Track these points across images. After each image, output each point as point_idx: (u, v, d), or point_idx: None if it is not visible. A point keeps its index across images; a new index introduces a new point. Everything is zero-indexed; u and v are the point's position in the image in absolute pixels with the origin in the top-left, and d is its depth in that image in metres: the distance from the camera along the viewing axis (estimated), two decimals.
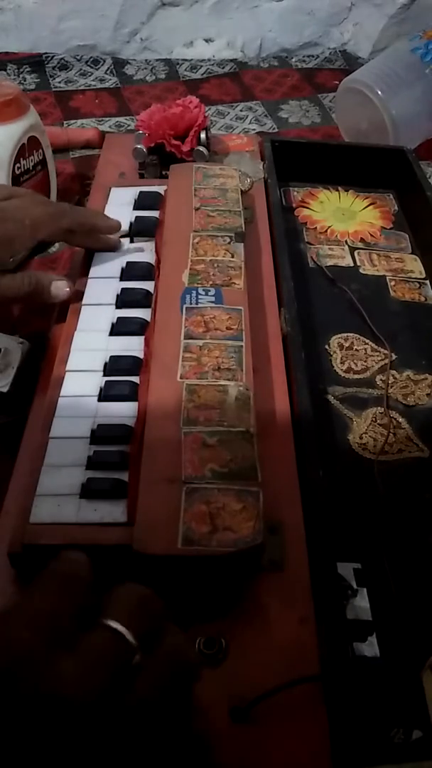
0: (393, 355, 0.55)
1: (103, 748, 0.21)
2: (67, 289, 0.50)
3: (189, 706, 0.25)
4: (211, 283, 0.50)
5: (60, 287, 0.49)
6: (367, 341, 0.56)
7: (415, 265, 0.64)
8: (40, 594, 0.25)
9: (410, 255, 0.65)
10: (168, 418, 0.40)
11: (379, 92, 0.82)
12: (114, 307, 0.50)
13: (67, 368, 0.45)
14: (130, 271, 0.52)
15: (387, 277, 0.62)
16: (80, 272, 0.53)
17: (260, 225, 0.61)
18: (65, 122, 0.91)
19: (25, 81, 0.99)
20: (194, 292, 0.49)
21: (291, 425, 0.45)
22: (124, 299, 0.50)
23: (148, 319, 0.49)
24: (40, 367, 0.49)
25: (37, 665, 0.22)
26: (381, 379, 0.53)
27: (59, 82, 1.00)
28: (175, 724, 0.23)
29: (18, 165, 0.65)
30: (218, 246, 0.53)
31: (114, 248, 0.55)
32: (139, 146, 0.65)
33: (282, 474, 0.42)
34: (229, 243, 0.53)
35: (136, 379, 0.44)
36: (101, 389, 0.44)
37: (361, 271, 0.63)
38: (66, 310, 0.50)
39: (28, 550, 0.35)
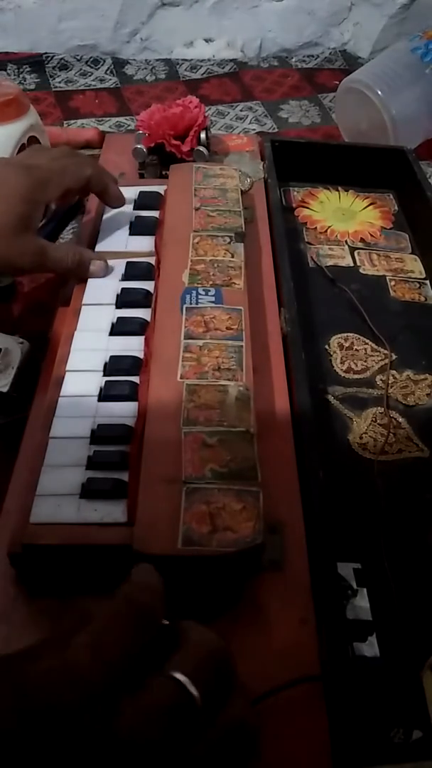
0: (393, 355, 0.55)
1: None
2: (104, 268, 0.52)
3: None
4: (211, 283, 0.50)
5: (99, 266, 0.52)
6: (367, 341, 0.56)
7: (415, 265, 0.64)
8: (112, 624, 0.23)
9: (410, 255, 0.65)
10: (168, 418, 0.40)
11: (379, 92, 0.82)
12: (114, 307, 0.50)
13: (67, 368, 0.45)
14: (130, 271, 0.52)
15: (387, 277, 0.63)
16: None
17: (260, 225, 0.61)
18: (65, 122, 0.92)
19: (25, 81, 0.99)
20: (194, 292, 0.49)
21: (291, 425, 0.45)
22: (124, 299, 0.50)
23: (148, 319, 0.49)
24: (40, 367, 0.49)
25: (99, 703, 0.21)
26: (381, 379, 0.53)
27: (59, 82, 1.00)
28: None
29: None
30: (218, 246, 0.53)
31: (121, 201, 0.56)
32: (139, 146, 0.65)
33: (282, 474, 0.42)
34: (229, 243, 0.53)
35: (136, 379, 0.44)
36: (101, 389, 0.44)
37: (361, 271, 0.63)
38: (66, 310, 0.50)
39: (28, 550, 0.35)
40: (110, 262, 0.53)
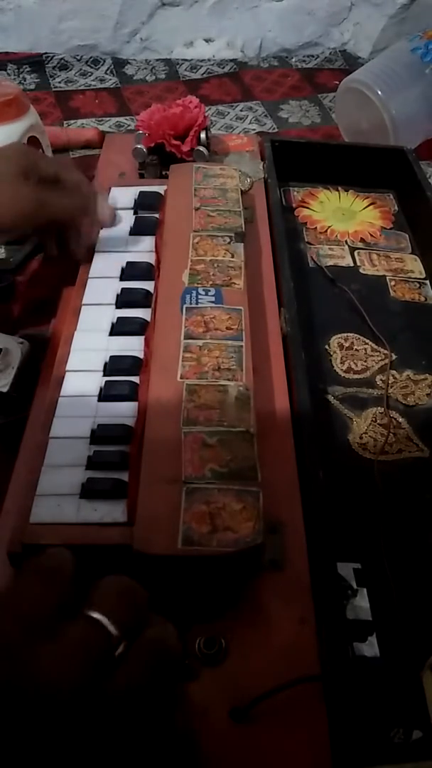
0: (393, 355, 0.55)
1: (81, 736, 0.21)
2: (111, 212, 0.54)
3: (172, 698, 0.25)
4: (211, 283, 0.50)
5: (106, 210, 0.54)
6: (367, 341, 0.56)
7: (415, 265, 0.64)
8: (22, 585, 0.25)
9: (410, 255, 0.65)
10: (168, 418, 0.40)
11: (379, 92, 0.82)
12: (114, 307, 0.50)
13: (67, 368, 0.45)
14: (130, 271, 0.52)
15: (387, 277, 0.62)
16: (80, 272, 0.53)
17: (260, 225, 0.61)
18: (65, 122, 0.92)
19: (25, 81, 0.99)
20: (194, 292, 0.49)
21: (291, 425, 0.45)
22: (124, 299, 0.50)
23: (148, 319, 0.49)
24: (40, 367, 0.49)
25: (16, 653, 0.22)
26: (381, 379, 0.53)
27: (59, 82, 1.00)
28: (156, 715, 0.23)
29: None
30: (218, 246, 0.53)
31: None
32: (139, 146, 0.65)
33: (282, 474, 0.42)
34: (229, 243, 0.53)
35: (136, 379, 0.44)
36: (101, 389, 0.44)
37: (361, 271, 0.63)
38: (66, 310, 0.50)
39: (28, 550, 0.35)
40: (110, 262, 0.53)
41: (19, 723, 0.20)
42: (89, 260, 0.53)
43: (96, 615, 0.24)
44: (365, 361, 0.55)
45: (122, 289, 0.51)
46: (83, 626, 0.24)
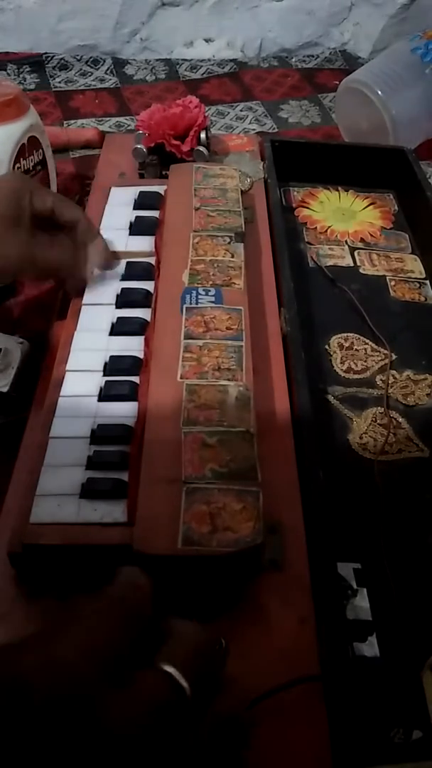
0: (393, 355, 0.55)
1: None
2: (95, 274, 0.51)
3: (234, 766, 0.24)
4: (211, 283, 0.50)
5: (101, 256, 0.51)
6: (367, 341, 0.56)
7: (415, 265, 0.64)
8: (100, 621, 0.23)
9: (410, 255, 0.65)
10: (168, 418, 0.40)
11: (379, 92, 0.82)
12: (114, 307, 0.50)
13: (67, 368, 0.45)
14: (130, 271, 0.52)
15: (387, 277, 0.63)
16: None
17: (260, 225, 0.61)
18: (65, 122, 0.91)
19: (25, 81, 0.99)
20: (194, 292, 0.49)
21: (291, 425, 0.45)
22: (124, 299, 0.50)
23: (148, 319, 0.49)
24: (40, 367, 0.49)
25: (89, 698, 0.21)
26: (381, 379, 0.53)
27: (59, 82, 1.00)
28: None
29: (18, 165, 0.65)
30: (218, 246, 0.53)
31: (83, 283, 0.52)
32: (139, 146, 0.65)
33: (282, 474, 0.42)
34: (229, 243, 0.53)
35: (136, 379, 0.44)
36: (101, 389, 0.44)
37: (361, 271, 0.63)
38: (66, 310, 0.50)
39: (28, 550, 0.35)
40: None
41: (83, 767, 0.20)
42: (81, 294, 0.51)
43: (172, 671, 0.23)
44: (365, 361, 0.55)
45: (122, 289, 0.51)
46: (157, 680, 0.22)
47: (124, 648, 0.23)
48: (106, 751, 0.20)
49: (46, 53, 1.03)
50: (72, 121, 0.92)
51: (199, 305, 0.48)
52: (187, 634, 0.25)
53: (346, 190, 0.72)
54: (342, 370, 0.54)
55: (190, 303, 0.48)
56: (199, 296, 0.48)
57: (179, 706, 0.22)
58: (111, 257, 0.52)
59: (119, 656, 0.23)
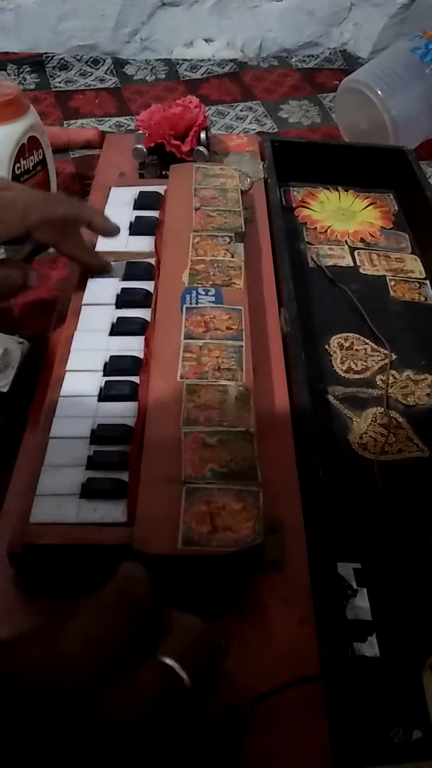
0: (393, 355, 0.55)
1: None
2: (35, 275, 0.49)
3: (235, 760, 0.24)
4: (211, 283, 0.50)
5: (33, 277, 0.48)
6: (367, 341, 0.56)
7: (415, 265, 0.64)
8: (100, 615, 0.23)
9: (410, 255, 0.65)
10: (168, 418, 0.40)
11: (379, 92, 0.82)
12: (114, 307, 0.50)
13: (67, 368, 0.45)
14: (130, 271, 0.52)
15: (387, 277, 0.63)
16: (80, 272, 0.53)
17: (260, 225, 0.61)
18: (65, 122, 0.92)
19: (25, 81, 0.99)
20: (194, 292, 0.49)
21: (291, 425, 0.45)
22: (124, 299, 0.50)
23: (148, 319, 0.49)
24: (40, 367, 0.49)
25: (89, 694, 0.21)
26: (381, 379, 0.53)
27: (59, 82, 1.00)
28: None
29: (18, 165, 0.65)
30: (218, 246, 0.53)
31: (104, 269, 0.52)
32: (139, 146, 0.65)
33: (282, 474, 0.42)
34: (229, 243, 0.53)
35: (136, 379, 0.44)
36: (101, 389, 0.44)
37: (361, 271, 0.63)
38: (66, 310, 0.50)
39: (28, 550, 0.35)
40: (111, 263, 0.53)
41: (84, 763, 0.20)
42: (102, 266, 0.52)
43: (172, 663, 0.23)
44: (365, 361, 0.55)
45: (122, 289, 0.51)
46: (158, 673, 0.22)
47: (123, 641, 0.23)
48: (107, 744, 0.20)
49: (46, 53, 1.03)
50: (72, 121, 0.92)
51: (199, 305, 0.48)
52: (188, 626, 0.25)
53: (346, 190, 0.72)
54: (342, 370, 0.54)
55: (190, 303, 0.48)
56: (199, 296, 0.48)
57: (179, 698, 0.22)
58: (106, 267, 0.53)
59: (119, 649, 0.23)
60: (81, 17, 1.01)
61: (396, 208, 0.71)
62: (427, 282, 0.63)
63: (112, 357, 0.46)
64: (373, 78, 0.83)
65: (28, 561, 0.36)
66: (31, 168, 0.67)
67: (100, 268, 0.52)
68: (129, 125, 0.92)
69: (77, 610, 0.24)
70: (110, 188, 0.61)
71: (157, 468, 0.38)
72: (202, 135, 0.66)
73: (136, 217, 0.57)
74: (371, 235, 0.67)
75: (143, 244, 0.55)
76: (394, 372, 0.54)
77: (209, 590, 0.36)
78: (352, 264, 0.64)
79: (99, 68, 1.03)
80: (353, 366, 0.54)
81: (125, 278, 0.52)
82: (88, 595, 0.24)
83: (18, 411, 0.47)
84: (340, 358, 0.55)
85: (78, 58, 1.04)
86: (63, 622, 0.23)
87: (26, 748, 0.20)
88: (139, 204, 0.59)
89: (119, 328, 0.48)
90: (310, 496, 0.41)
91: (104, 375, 0.45)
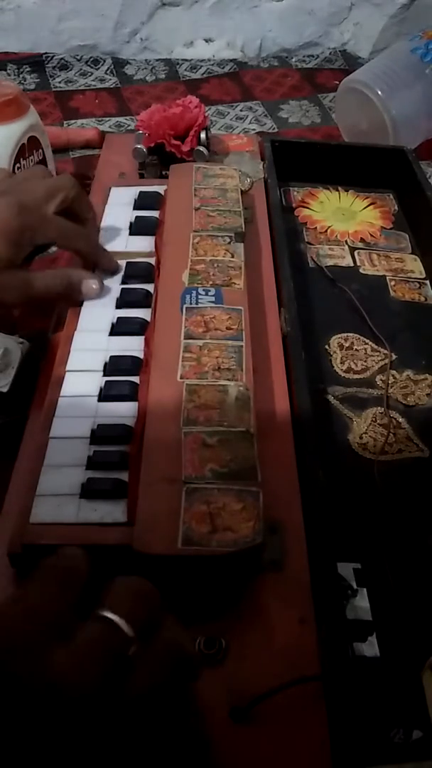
0: (393, 355, 0.55)
1: (97, 739, 0.21)
2: (96, 287, 0.49)
3: (186, 701, 0.25)
4: (211, 283, 0.50)
5: (90, 285, 0.49)
6: (367, 341, 0.56)
7: (415, 265, 0.64)
8: (36, 586, 0.25)
9: (410, 255, 0.65)
10: (168, 418, 0.40)
11: (379, 92, 0.82)
12: (114, 307, 0.50)
13: (67, 368, 0.45)
14: (130, 271, 0.52)
15: (387, 277, 0.62)
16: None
17: (260, 225, 0.61)
18: (65, 122, 0.92)
19: (25, 81, 0.99)
20: (194, 292, 0.49)
21: (291, 425, 0.45)
22: (124, 299, 0.50)
23: (148, 319, 0.49)
24: (40, 367, 0.49)
25: (32, 655, 0.22)
26: (381, 379, 0.53)
27: (59, 82, 1.00)
28: (171, 718, 0.23)
29: (18, 165, 0.65)
30: (218, 246, 0.53)
31: (113, 269, 0.52)
32: (139, 146, 0.65)
33: (282, 474, 0.42)
34: (229, 243, 0.53)
35: (136, 379, 0.44)
36: (101, 389, 0.44)
37: (361, 271, 0.63)
38: (66, 310, 0.50)
39: (28, 550, 0.35)
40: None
41: (34, 724, 0.20)
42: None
43: (110, 615, 0.24)
44: (365, 361, 0.55)
45: (122, 289, 0.51)
46: (98, 627, 0.23)
47: (63, 605, 0.24)
48: (53, 703, 0.21)
49: (46, 53, 1.03)
50: (72, 121, 0.92)
51: (199, 305, 0.48)
52: (122, 581, 0.26)
53: (346, 190, 0.72)
54: (342, 370, 0.54)
55: (190, 303, 0.48)
56: (199, 296, 0.48)
57: (121, 647, 0.23)
58: (115, 268, 0.53)
59: (59, 612, 0.24)
60: (81, 17, 1.01)
61: (396, 208, 0.71)
62: (427, 282, 0.63)
63: (112, 357, 0.46)
64: (373, 78, 0.83)
65: (28, 561, 0.36)
66: None
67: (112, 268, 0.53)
68: (129, 125, 0.92)
69: (22, 586, 0.25)
70: (110, 188, 0.61)
71: (157, 468, 0.38)
72: (202, 135, 0.66)
73: (136, 217, 0.57)
74: (371, 235, 0.67)
75: (143, 244, 0.55)
76: (394, 372, 0.54)
77: (209, 590, 0.36)
78: (352, 264, 0.64)
79: (99, 68, 1.03)
80: (353, 366, 0.54)
81: (125, 278, 0.52)
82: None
83: (18, 411, 0.47)
84: (340, 358, 0.55)
85: (78, 58, 1.04)
86: (9, 598, 0.24)
87: None
88: (139, 204, 0.59)
89: (119, 328, 0.48)
90: (310, 496, 0.41)
91: (104, 375, 0.45)
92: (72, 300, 0.50)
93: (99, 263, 0.52)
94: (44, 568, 0.26)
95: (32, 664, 0.21)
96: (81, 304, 0.50)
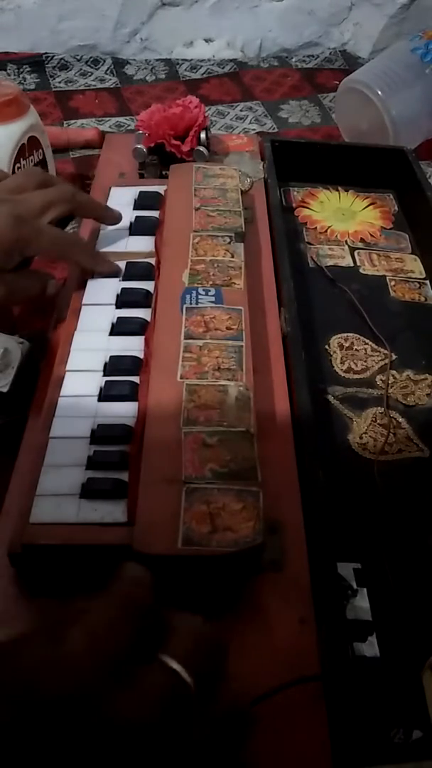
0: (393, 355, 0.55)
1: None
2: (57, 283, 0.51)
3: (238, 764, 0.24)
4: (211, 283, 0.50)
5: (53, 285, 0.50)
6: (367, 341, 0.56)
7: (415, 265, 0.64)
8: (103, 616, 0.23)
9: (410, 255, 0.65)
10: (168, 418, 0.40)
11: (379, 92, 0.82)
12: (114, 307, 0.50)
13: (67, 368, 0.45)
14: (130, 271, 0.52)
15: (387, 277, 0.62)
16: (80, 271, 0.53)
17: (260, 225, 0.61)
18: (65, 122, 0.92)
19: (25, 81, 0.99)
20: (194, 292, 0.49)
21: (291, 425, 0.45)
22: (124, 299, 0.50)
23: (148, 319, 0.49)
24: (40, 367, 0.49)
25: (95, 694, 0.21)
26: (381, 379, 0.53)
27: (59, 82, 1.00)
28: None
29: (18, 165, 0.65)
30: (218, 246, 0.53)
31: (113, 275, 0.53)
32: (139, 146, 0.65)
33: (282, 474, 0.42)
34: (229, 243, 0.53)
35: (136, 379, 0.44)
36: (101, 389, 0.44)
37: (361, 271, 0.63)
38: (66, 310, 0.50)
39: (27, 550, 0.35)
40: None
41: (91, 763, 0.20)
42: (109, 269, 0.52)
43: (174, 665, 0.23)
44: (365, 361, 0.55)
45: (122, 289, 0.51)
46: (161, 675, 0.23)
47: (127, 643, 0.23)
48: (113, 747, 0.20)
49: (46, 53, 1.03)
50: (72, 121, 0.92)
51: (199, 305, 0.48)
52: (190, 627, 0.25)
53: (346, 190, 0.72)
54: (342, 370, 0.54)
55: (190, 303, 0.48)
56: (199, 296, 0.48)
57: (183, 702, 0.22)
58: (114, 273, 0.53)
59: (123, 652, 0.23)
60: (81, 17, 1.01)
61: (396, 208, 0.71)
62: (427, 282, 0.63)
63: (112, 357, 0.46)
64: (373, 78, 0.83)
65: (28, 561, 0.36)
66: None
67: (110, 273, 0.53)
68: (129, 125, 0.92)
69: (81, 610, 0.24)
70: (110, 188, 0.61)
71: (157, 468, 0.38)
72: (202, 135, 0.66)
73: (136, 217, 0.57)
74: (371, 235, 0.67)
75: (143, 244, 0.55)
76: (394, 372, 0.54)
77: (209, 590, 0.36)
78: (352, 264, 0.64)
79: (99, 68, 1.03)
80: (353, 366, 0.54)
81: (125, 278, 0.52)
82: (86, 596, 0.24)
83: (18, 411, 0.47)
84: (340, 358, 0.55)
85: (78, 58, 1.04)
86: (64, 624, 0.23)
87: (29, 752, 0.20)
88: (139, 204, 0.59)
89: (119, 328, 0.48)
90: (310, 496, 0.41)
91: (104, 375, 0.45)
92: (49, 299, 0.50)
93: (97, 271, 0.52)
94: (114, 596, 0.24)
95: (93, 705, 0.21)
96: (55, 306, 0.51)
